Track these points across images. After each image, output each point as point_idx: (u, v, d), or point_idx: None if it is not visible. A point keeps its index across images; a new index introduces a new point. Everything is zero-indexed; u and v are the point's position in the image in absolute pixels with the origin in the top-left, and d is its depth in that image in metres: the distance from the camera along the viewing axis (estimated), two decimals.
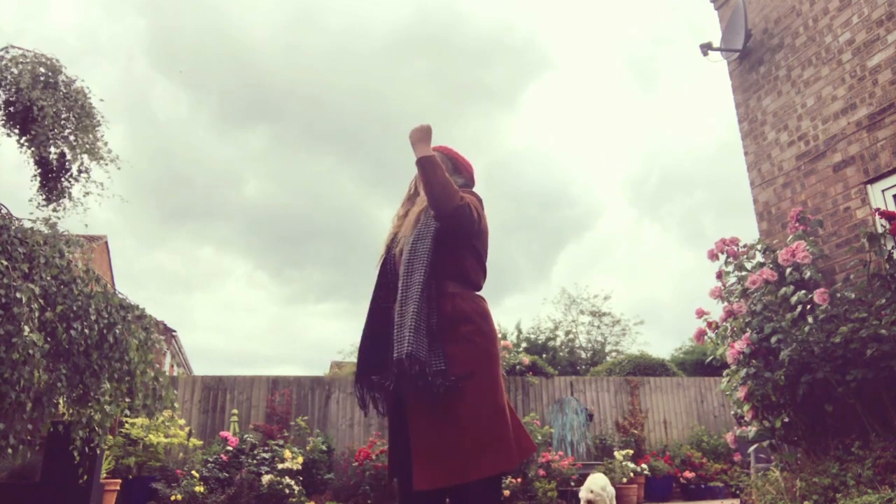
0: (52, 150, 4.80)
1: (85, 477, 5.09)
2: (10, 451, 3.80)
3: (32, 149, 4.71)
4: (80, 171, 5.00)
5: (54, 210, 4.91)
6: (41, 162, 4.87)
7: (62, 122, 4.79)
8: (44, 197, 4.91)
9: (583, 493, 5.58)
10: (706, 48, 6.15)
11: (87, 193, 5.02)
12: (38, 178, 4.94)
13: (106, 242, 16.18)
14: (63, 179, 4.95)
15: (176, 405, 8.57)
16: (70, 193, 4.99)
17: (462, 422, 2.01)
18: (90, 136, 4.95)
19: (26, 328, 3.61)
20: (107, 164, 5.07)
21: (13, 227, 4.12)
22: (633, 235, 37.68)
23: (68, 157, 4.87)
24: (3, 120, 4.72)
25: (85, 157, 4.96)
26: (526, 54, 41.19)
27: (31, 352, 3.62)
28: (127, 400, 4.69)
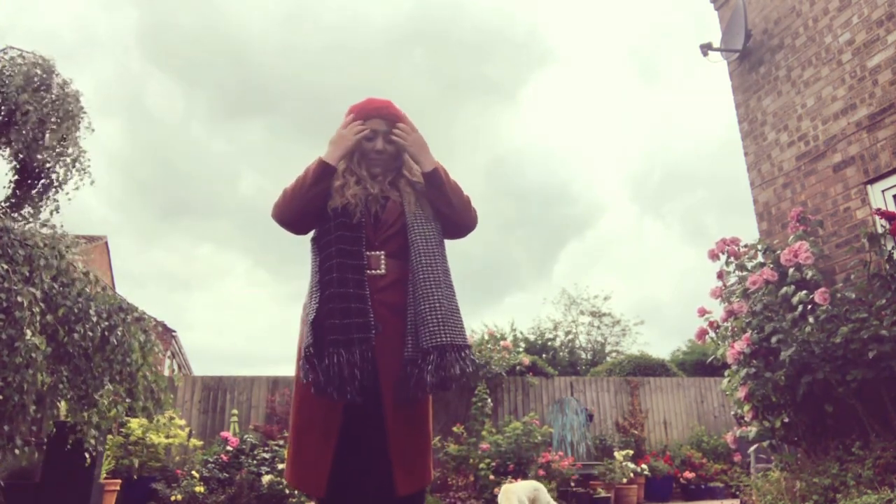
0: (34, 157, 4.75)
1: (95, 472, 5.08)
2: (17, 451, 3.81)
3: (11, 151, 4.68)
4: (53, 185, 4.95)
5: (27, 215, 4.87)
6: (20, 168, 4.85)
7: (46, 128, 4.75)
8: (8, 206, 4.86)
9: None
10: (706, 48, 6.15)
11: (56, 211, 4.97)
12: (13, 184, 4.90)
13: (106, 243, 16.18)
14: (35, 188, 4.91)
15: (175, 409, 8.60)
16: (43, 200, 4.94)
17: (427, 424, 1.99)
18: (74, 145, 4.91)
19: (28, 332, 3.61)
20: (82, 179, 5.04)
21: (13, 230, 4.11)
22: (634, 233, 37.67)
23: (49, 164, 4.84)
24: None
25: (62, 170, 4.92)
26: (527, 49, 41.17)
27: (33, 355, 3.63)
28: (127, 401, 4.69)
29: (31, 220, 4.71)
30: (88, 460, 4.59)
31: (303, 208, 2.01)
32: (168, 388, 5.02)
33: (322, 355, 1.82)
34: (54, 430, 4.70)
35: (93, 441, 4.50)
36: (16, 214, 4.82)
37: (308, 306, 1.96)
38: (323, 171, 1.99)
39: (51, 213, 4.91)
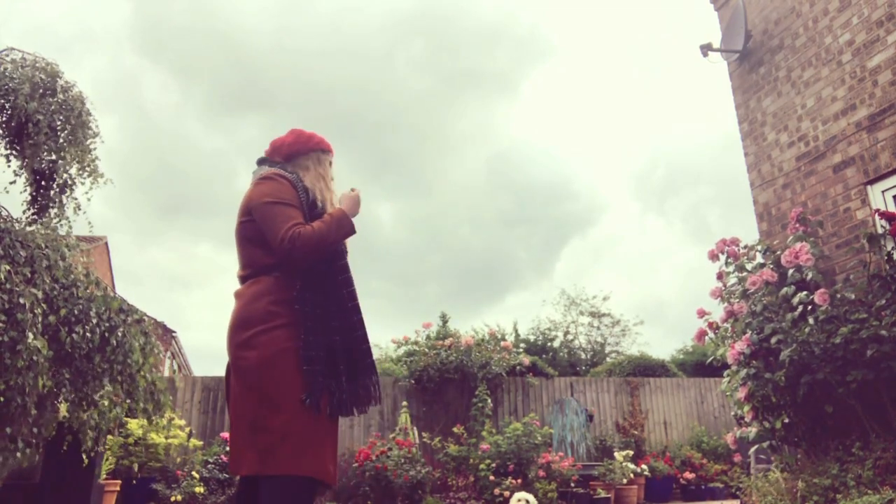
0: (44, 159, 4.74)
1: (95, 473, 5.08)
2: (18, 455, 3.81)
3: (25, 161, 4.67)
4: (67, 185, 4.94)
5: (42, 219, 4.86)
6: (34, 173, 4.84)
7: (57, 133, 4.73)
8: (34, 211, 4.86)
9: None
10: (706, 49, 6.16)
11: (78, 209, 4.98)
12: (29, 190, 4.89)
13: (106, 243, 16.18)
14: (52, 190, 4.91)
15: (175, 410, 8.60)
16: (59, 203, 4.94)
17: None
18: (83, 150, 4.91)
19: (30, 334, 3.61)
20: (94, 181, 5.04)
21: (15, 231, 4.11)
22: (637, 231, 37.69)
23: (59, 167, 4.83)
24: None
25: (74, 168, 4.92)
26: (529, 44, 41.14)
27: (35, 358, 3.62)
28: (127, 402, 4.70)
29: (56, 226, 4.70)
30: (86, 461, 4.59)
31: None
32: (168, 389, 5.02)
33: (351, 377, 2.07)
34: (55, 432, 4.70)
35: (90, 443, 4.50)
36: (38, 220, 4.82)
37: (323, 328, 2.04)
38: (350, 232, 2.16)
39: (71, 221, 4.93)
